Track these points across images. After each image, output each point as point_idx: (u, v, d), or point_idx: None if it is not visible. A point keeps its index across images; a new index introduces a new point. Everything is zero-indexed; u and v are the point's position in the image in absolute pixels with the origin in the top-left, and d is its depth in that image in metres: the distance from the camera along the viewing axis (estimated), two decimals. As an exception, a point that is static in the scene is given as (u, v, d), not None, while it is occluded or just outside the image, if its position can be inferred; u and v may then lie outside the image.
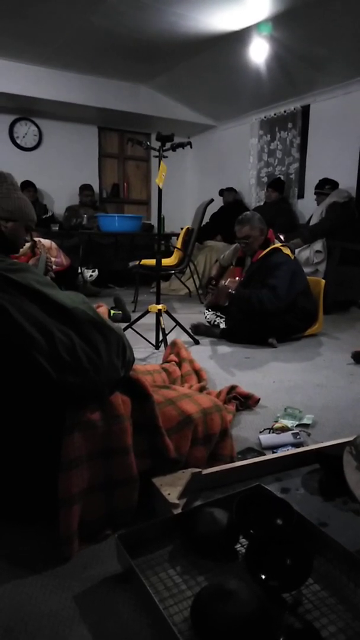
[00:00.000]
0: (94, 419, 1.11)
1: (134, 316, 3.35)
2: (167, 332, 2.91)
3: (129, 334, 2.51)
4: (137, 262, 4.37)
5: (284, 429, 1.69)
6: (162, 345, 2.85)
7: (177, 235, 5.25)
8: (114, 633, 0.87)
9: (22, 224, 1.37)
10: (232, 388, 1.98)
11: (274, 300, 2.94)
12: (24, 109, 5.73)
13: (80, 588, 0.97)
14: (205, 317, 3.42)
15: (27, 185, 5.71)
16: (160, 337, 2.90)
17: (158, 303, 2.94)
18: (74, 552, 1.05)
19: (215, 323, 3.30)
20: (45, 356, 1.01)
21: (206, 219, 5.35)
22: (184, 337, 3.01)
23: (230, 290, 3.08)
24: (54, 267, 3.65)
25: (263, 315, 2.98)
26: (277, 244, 3.18)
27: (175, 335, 2.95)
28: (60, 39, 4.48)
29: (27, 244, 3.77)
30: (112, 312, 3.71)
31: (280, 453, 1.48)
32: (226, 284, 3.14)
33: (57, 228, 5.42)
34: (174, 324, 3.04)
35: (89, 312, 1.12)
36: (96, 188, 6.39)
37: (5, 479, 1.15)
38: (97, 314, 1.14)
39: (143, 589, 0.91)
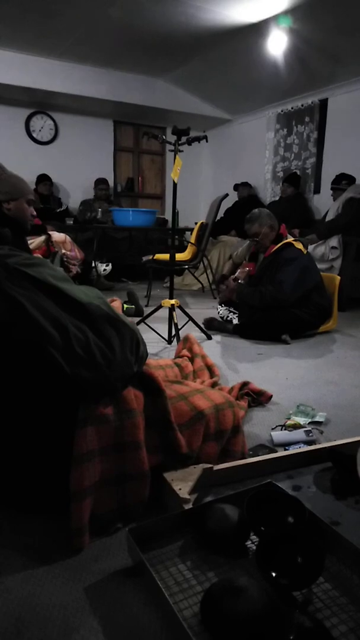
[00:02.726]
0: (107, 413, 1.11)
1: (147, 311, 3.36)
2: (179, 327, 2.90)
3: (141, 329, 2.51)
4: (150, 257, 4.37)
5: (296, 426, 1.68)
6: (175, 340, 2.84)
7: (191, 230, 5.23)
8: (124, 626, 0.88)
9: (23, 200, 1.37)
10: (245, 384, 1.97)
11: (277, 294, 2.94)
12: (40, 102, 5.75)
13: (90, 580, 0.98)
14: (218, 312, 3.42)
15: (44, 179, 5.75)
16: (173, 332, 2.90)
17: (171, 298, 2.94)
18: (85, 545, 1.06)
19: (228, 318, 3.29)
20: (59, 351, 1.01)
21: (220, 214, 5.32)
22: (197, 332, 3.00)
23: (239, 281, 3.10)
24: (71, 261, 3.67)
25: (272, 311, 2.98)
26: (290, 239, 3.16)
27: (188, 331, 2.95)
28: (77, 32, 4.47)
29: (41, 238, 3.80)
30: (125, 306, 3.72)
31: (292, 450, 1.47)
32: (235, 275, 3.17)
33: (71, 222, 5.44)
34: (187, 319, 3.04)
35: (104, 307, 1.12)
36: (111, 182, 6.39)
37: (19, 471, 1.16)
38: (111, 309, 1.14)
39: (153, 583, 0.92)
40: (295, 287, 2.97)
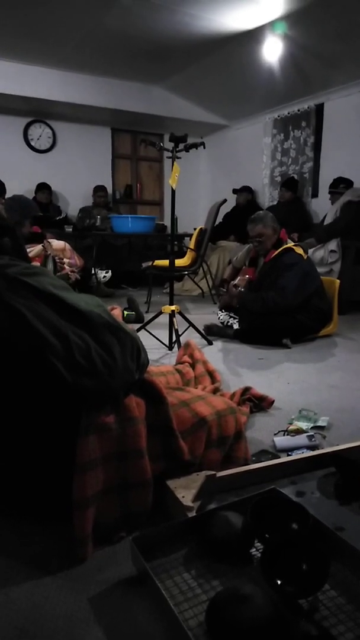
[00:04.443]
0: (109, 421, 1.11)
1: (147, 317, 3.35)
2: (180, 333, 2.90)
3: (142, 335, 2.51)
4: (150, 263, 4.37)
5: (299, 431, 1.68)
6: (176, 346, 2.84)
7: (190, 235, 5.24)
8: (129, 636, 0.87)
9: None
10: (246, 389, 1.97)
11: (279, 301, 2.94)
12: (38, 111, 5.79)
13: (95, 590, 0.97)
14: (219, 317, 3.42)
15: (42, 187, 5.77)
16: (174, 338, 2.89)
17: (171, 304, 2.94)
18: (89, 554, 1.06)
19: (229, 324, 3.29)
20: (60, 360, 1.01)
21: (219, 219, 5.34)
22: (197, 338, 3.00)
23: (239, 289, 3.10)
24: (66, 267, 3.68)
25: (274, 316, 2.98)
26: (290, 244, 3.16)
27: (189, 336, 2.94)
28: (73, 41, 4.50)
29: (40, 247, 3.81)
30: (125, 313, 3.72)
31: (295, 456, 1.47)
32: (235, 282, 3.16)
33: (70, 229, 5.46)
34: (187, 324, 3.04)
35: (104, 315, 1.12)
36: (109, 189, 6.42)
37: (22, 480, 1.16)
38: (111, 317, 1.14)
39: (158, 593, 0.91)
40: (297, 292, 2.97)
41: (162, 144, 2.85)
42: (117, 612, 0.92)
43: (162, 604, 0.89)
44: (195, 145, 2.76)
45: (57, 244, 3.92)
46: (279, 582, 0.95)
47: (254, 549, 1.08)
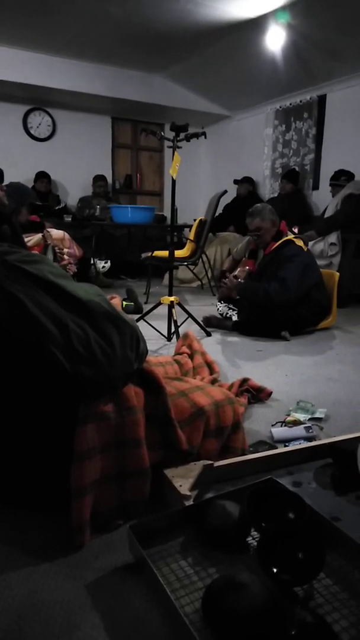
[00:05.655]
0: (107, 410, 1.11)
1: (146, 308, 3.35)
2: (179, 324, 2.90)
3: (140, 326, 2.50)
4: (149, 254, 4.36)
5: (296, 423, 1.68)
6: (174, 337, 2.84)
7: (190, 226, 5.22)
8: (126, 622, 0.88)
9: None
10: (244, 381, 1.97)
11: (281, 292, 2.92)
12: (38, 99, 5.73)
13: (92, 577, 0.98)
14: (218, 309, 3.41)
15: (42, 176, 5.73)
16: (172, 329, 2.89)
17: (170, 295, 2.93)
18: (86, 542, 1.06)
19: (228, 315, 3.29)
20: (59, 348, 1.01)
21: (219, 210, 5.31)
22: (196, 329, 3.00)
23: (239, 280, 3.09)
24: (65, 257, 3.66)
25: (273, 308, 2.97)
26: (290, 236, 3.15)
27: (187, 327, 2.94)
28: (75, 28, 4.45)
29: (39, 235, 3.79)
30: (124, 303, 3.71)
31: (292, 447, 1.48)
32: (235, 273, 3.15)
33: (70, 219, 5.43)
34: (186, 315, 3.04)
35: (104, 305, 1.12)
36: (109, 179, 6.38)
37: (20, 469, 1.16)
38: (111, 306, 1.13)
39: (154, 579, 0.92)
40: (299, 285, 2.97)
41: (162, 134, 2.83)
42: (114, 598, 0.93)
43: (159, 591, 0.90)
44: (196, 135, 2.74)
45: (56, 233, 3.90)
46: (274, 570, 0.95)
47: (251, 538, 1.09)
